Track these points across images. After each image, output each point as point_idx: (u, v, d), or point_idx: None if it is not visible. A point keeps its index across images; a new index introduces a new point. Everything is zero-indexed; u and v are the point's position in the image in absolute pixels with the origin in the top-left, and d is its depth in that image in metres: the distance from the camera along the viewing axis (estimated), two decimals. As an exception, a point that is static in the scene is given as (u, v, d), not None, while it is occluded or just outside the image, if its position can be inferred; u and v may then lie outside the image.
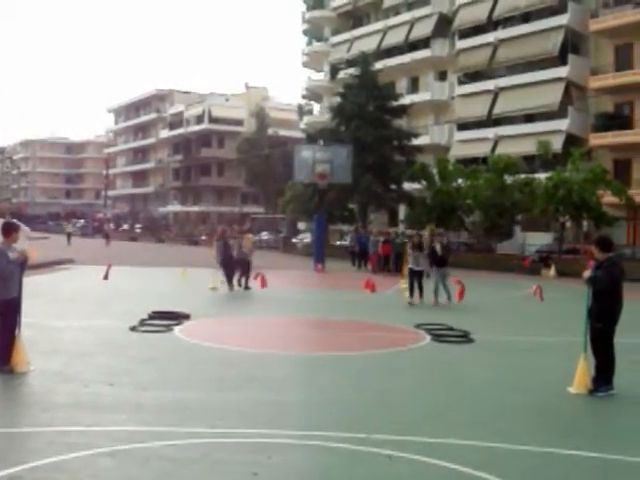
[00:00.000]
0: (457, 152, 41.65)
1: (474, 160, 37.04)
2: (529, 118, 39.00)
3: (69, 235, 45.63)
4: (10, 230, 7.75)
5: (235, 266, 17.51)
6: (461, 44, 42.66)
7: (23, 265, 7.81)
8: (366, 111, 36.78)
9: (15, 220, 9.68)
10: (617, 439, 5.96)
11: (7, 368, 7.46)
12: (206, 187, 72.05)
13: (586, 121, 36.48)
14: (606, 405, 7.12)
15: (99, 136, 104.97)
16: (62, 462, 4.82)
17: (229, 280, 17.21)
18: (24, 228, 17.58)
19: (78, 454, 4.97)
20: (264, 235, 51.17)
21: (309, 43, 57.28)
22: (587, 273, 7.47)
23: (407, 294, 15.28)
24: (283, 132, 64.08)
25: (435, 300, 15.08)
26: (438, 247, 15.33)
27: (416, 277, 15.04)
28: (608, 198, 29.06)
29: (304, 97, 59.41)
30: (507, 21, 40.86)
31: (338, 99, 40.65)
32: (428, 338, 10.79)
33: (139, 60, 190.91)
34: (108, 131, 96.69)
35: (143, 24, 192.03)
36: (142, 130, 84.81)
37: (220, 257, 17.21)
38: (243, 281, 17.67)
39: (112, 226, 73.00)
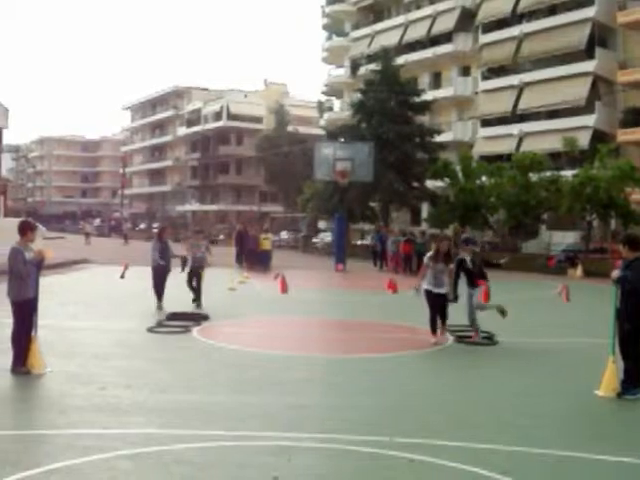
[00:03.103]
0: (481, 149, 41.19)
1: (498, 157, 36.56)
2: (555, 114, 38.32)
3: (87, 235, 45.46)
4: (26, 229, 7.69)
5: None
6: (485, 38, 42.12)
7: (39, 265, 7.75)
8: (387, 107, 36.45)
9: (31, 219, 9.62)
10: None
11: (23, 370, 7.44)
12: (224, 185, 71.42)
13: (614, 116, 35.81)
14: (635, 409, 6.97)
15: (116, 134, 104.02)
16: (78, 465, 4.78)
17: (159, 295, 13.38)
18: (40, 228, 17.23)
19: (95, 457, 4.92)
20: (284, 234, 51.06)
21: (329, 38, 56.89)
22: (616, 273, 7.35)
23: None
24: (303, 129, 63.62)
25: (476, 330, 10.73)
26: (468, 259, 10.69)
27: (439, 304, 10.45)
28: (636, 196, 28.56)
29: (324, 93, 59.24)
30: (532, 14, 40.22)
31: (359, 95, 40.28)
32: (451, 339, 10.63)
33: (156, 57, 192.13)
34: (125, 129, 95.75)
35: (160, 20, 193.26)
36: (159, 128, 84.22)
37: (156, 262, 13.49)
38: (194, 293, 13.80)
39: (129, 225, 72.52)
